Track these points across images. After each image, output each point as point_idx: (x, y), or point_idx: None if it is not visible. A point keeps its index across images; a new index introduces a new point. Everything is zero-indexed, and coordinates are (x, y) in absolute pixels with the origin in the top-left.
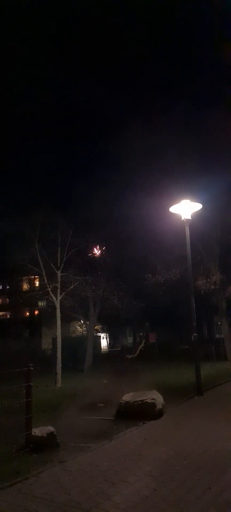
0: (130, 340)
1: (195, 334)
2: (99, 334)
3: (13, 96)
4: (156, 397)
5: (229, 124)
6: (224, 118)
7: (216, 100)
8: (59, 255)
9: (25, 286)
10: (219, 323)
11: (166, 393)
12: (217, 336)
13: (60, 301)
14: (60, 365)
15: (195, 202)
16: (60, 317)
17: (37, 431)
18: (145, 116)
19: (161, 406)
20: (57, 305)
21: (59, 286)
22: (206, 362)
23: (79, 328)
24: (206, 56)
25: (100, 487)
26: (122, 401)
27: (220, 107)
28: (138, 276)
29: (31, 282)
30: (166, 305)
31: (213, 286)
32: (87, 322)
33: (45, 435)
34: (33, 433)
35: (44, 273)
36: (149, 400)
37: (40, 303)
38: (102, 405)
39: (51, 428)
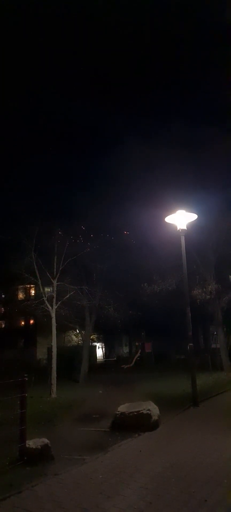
0: (126, 349)
1: (191, 344)
2: (95, 343)
3: (11, 106)
4: (152, 408)
5: (224, 138)
6: (219, 131)
7: (212, 115)
8: (55, 264)
9: (21, 295)
10: (215, 333)
11: (162, 404)
12: (213, 346)
13: (56, 310)
14: (55, 375)
15: (190, 212)
16: (56, 326)
17: (31, 443)
18: (141, 129)
19: (156, 417)
20: (53, 314)
21: (55, 295)
22: (202, 372)
23: (75, 337)
24: (201, 74)
25: (95, 500)
26: (117, 412)
27: (215, 121)
28: (133, 285)
29: (27, 291)
30: (162, 314)
31: (209, 296)
32: (83, 332)
33: (40, 447)
34: (27, 445)
35: (40, 282)
36: (144, 411)
37: (35, 312)
38: (97, 416)
39: (46, 440)
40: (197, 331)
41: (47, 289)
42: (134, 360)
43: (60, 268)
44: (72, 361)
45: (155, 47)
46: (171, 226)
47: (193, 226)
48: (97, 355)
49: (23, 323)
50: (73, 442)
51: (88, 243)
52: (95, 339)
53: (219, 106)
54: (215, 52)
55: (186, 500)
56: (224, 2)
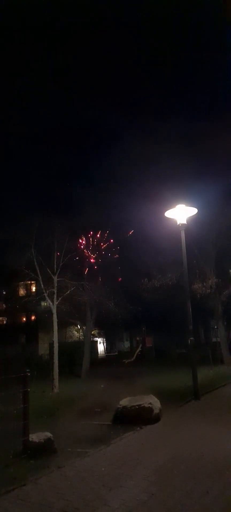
0: (127, 344)
1: (192, 338)
2: (96, 339)
3: (11, 105)
4: (153, 402)
5: (224, 132)
6: (219, 126)
7: (212, 109)
8: (55, 260)
9: (22, 292)
10: (216, 327)
11: (163, 397)
12: (214, 339)
13: (57, 306)
14: (57, 370)
15: (190, 206)
16: (57, 322)
17: (34, 437)
18: (141, 124)
19: (158, 411)
20: (54, 310)
21: (55, 291)
22: (203, 366)
23: (76, 333)
24: (202, 69)
25: (98, 492)
26: (119, 406)
27: (215, 115)
28: (134, 280)
29: (28, 287)
30: (163, 309)
31: (209, 290)
32: (84, 327)
33: (43, 440)
34: (30, 439)
35: (40, 279)
36: (146, 405)
37: (37, 308)
38: (99, 410)
39: (49, 434)
40: (197, 325)
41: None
42: (135, 355)
43: (61, 264)
44: (74, 356)
45: (152, 45)
46: (171, 221)
47: (193, 220)
48: (99, 350)
49: (24, 319)
50: (76, 436)
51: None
52: (96, 335)
53: (219, 100)
54: (212, 48)
55: (188, 491)
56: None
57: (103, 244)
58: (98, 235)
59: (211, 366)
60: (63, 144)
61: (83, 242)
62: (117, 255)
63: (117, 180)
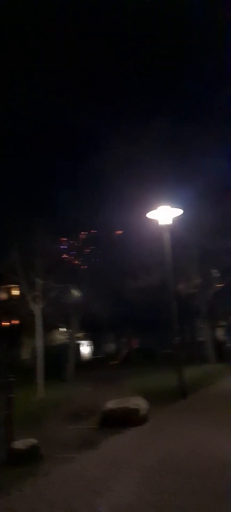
0: (113, 346)
1: (178, 338)
2: (81, 341)
3: None
4: (140, 403)
5: (206, 133)
6: (202, 127)
7: (195, 111)
8: (40, 263)
9: (4, 295)
10: (201, 326)
11: (150, 398)
12: (199, 339)
13: (41, 309)
14: (42, 374)
15: (174, 207)
16: (41, 325)
17: (19, 444)
18: (124, 126)
19: (145, 412)
20: (39, 313)
21: (39, 295)
22: (189, 365)
23: (61, 336)
24: (183, 71)
25: (85, 497)
26: (105, 409)
27: (198, 117)
28: (118, 282)
29: (11, 291)
30: (148, 310)
31: (194, 290)
32: (69, 330)
33: (28, 447)
34: (15, 446)
35: (24, 282)
36: (133, 406)
37: (20, 312)
38: (85, 413)
39: (34, 440)
40: (183, 325)
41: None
42: (121, 357)
43: (45, 267)
44: (59, 360)
45: (135, 46)
46: (156, 222)
47: (177, 221)
48: (84, 353)
49: (7, 323)
50: (62, 441)
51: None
52: (81, 337)
53: (202, 103)
54: (197, 51)
55: (176, 492)
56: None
57: (88, 246)
58: (82, 237)
59: (197, 365)
60: (46, 145)
61: (68, 244)
62: (102, 257)
63: (101, 182)
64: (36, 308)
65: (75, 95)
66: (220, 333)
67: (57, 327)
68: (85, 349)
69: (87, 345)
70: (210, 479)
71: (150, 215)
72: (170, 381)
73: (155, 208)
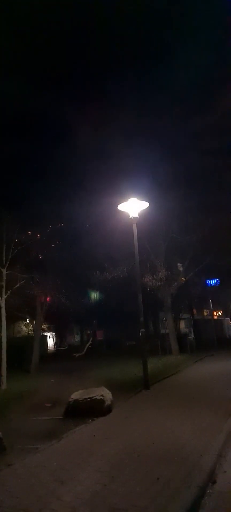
0: (77, 338)
1: (142, 330)
2: (45, 333)
3: None
4: (105, 394)
5: (175, 128)
6: (172, 122)
7: (166, 106)
8: (4, 253)
9: None
10: (164, 319)
11: (115, 389)
12: (162, 331)
13: (6, 300)
14: (5, 366)
15: (142, 200)
16: (6, 316)
17: None
18: (94, 118)
19: (109, 402)
20: (2, 304)
21: (4, 285)
22: (152, 356)
23: (25, 328)
24: (158, 64)
25: (49, 487)
26: (70, 400)
27: (167, 113)
28: (86, 273)
29: None
30: (114, 302)
31: (159, 283)
32: (34, 322)
33: None
34: None
35: None
36: (97, 397)
37: None
38: (50, 405)
39: None
40: (147, 317)
41: None
42: (86, 348)
43: (10, 257)
44: (23, 351)
45: (105, 34)
46: (123, 214)
47: (144, 214)
48: (49, 345)
49: None
50: (26, 432)
51: (39, 232)
52: (46, 329)
53: (172, 97)
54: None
55: (139, 479)
56: None
57: (54, 238)
58: (49, 228)
59: (160, 356)
60: (13, 134)
61: (34, 234)
62: (69, 249)
63: (69, 173)
64: (1, 299)
65: (42, 83)
66: (182, 326)
67: (22, 318)
68: (50, 340)
69: (52, 337)
70: (171, 466)
71: (121, 207)
72: (134, 372)
73: (126, 200)
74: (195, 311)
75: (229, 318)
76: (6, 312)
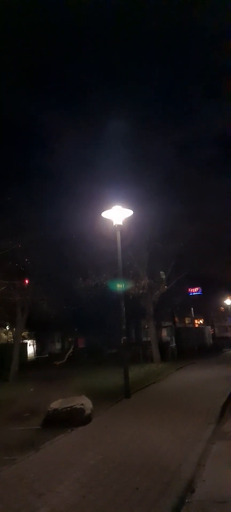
0: (58, 346)
1: (124, 337)
2: (26, 341)
3: None
4: (85, 403)
5: (162, 138)
6: (155, 132)
7: (149, 115)
8: None
9: None
10: (146, 327)
11: (95, 397)
12: (144, 339)
13: None
14: None
15: (126, 208)
16: None
17: None
18: (79, 125)
19: (89, 411)
20: None
21: None
22: (134, 364)
23: (4, 335)
24: (138, 74)
25: (26, 500)
26: (49, 409)
27: (152, 122)
28: (68, 280)
29: None
30: (96, 309)
31: (142, 290)
32: (14, 329)
33: None
34: None
35: None
36: (77, 406)
37: None
38: (28, 414)
39: None
40: (129, 325)
41: None
42: (67, 356)
43: None
44: (2, 359)
45: (93, 45)
46: (107, 222)
47: (128, 222)
48: (29, 353)
49: None
50: (3, 443)
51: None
52: (26, 336)
53: (157, 107)
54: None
55: (119, 489)
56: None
57: (37, 243)
58: (31, 233)
59: (142, 364)
60: None
61: (15, 241)
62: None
63: (53, 179)
64: None
65: (26, 88)
66: (164, 334)
67: (2, 326)
68: (30, 348)
69: (33, 344)
70: (151, 476)
71: (105, 214)
72: (115, 380)
73: (110, 208)
74: (176, 319)
75: (210, 327)
76: None
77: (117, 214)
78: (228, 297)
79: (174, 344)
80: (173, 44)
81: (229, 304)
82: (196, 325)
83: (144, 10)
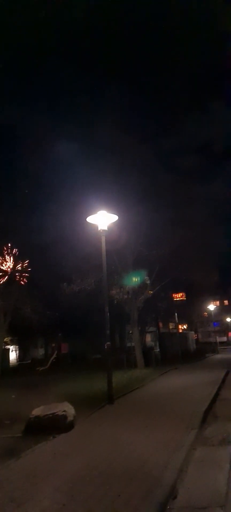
0: (42, 352)
1: (108, 343)
2: (8, 346)
3: None
4: (68, 409)
5: (144, 145)
6: (141, 140)
7: (134, 124)
8: None
9: None
10: (130, 332)
11: (78, 404)
12: (129, 344)
13: None
14: None
15: (111, 213)
16: None
17: None
18: (64, 130)
19: (72, 418)
20: None
21: None
22: (118, 370)
23: None
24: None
25: (5, 509)
26: (31, 416)
27: (138, 130)
28: (52, 285)
29: None
30: (80, 314)
31: (126, 296)
32: None
33: None
34: None
35: None
36: (60, 413)
37: None
38: (9, 422)
39: None
40: (113, 330)
41: None
42: (50, 362)
43: None
44: None
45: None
46: (91, 227)
47: (113, 227)
48: (11, 359)
49: None
50: None
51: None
52: (8, 342)
53: (143, 116)
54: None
55: (100, 497)
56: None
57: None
58: (14, 238)
59: (126, 370)
60: None
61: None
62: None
63: (38, 184)
64: None
65: (10, 91)
66: (148, 339)
67: None
68: (12, 354)
69: (15, 350)
70: (133, 482)
71: (90, 219)
72: (98, 386)
73: (95, 213)
74: (161, 324)
75: (193, 332)
76: None
77: (102, 219)
78: (212, 302)
79: (158, 349)
80: (159, 55)
81: (213, 309)
82: (180, 331)
83: (132, 19)
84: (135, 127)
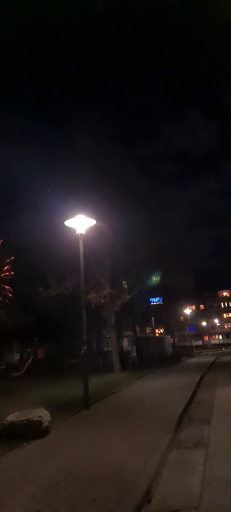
0: (17, 356)
1: (85, 347)
2: None
3: None
4: (43, 415)
5: (122, 151)
6: (119, 146)
7: (113, 130)
8: None
9: None
10: (108, 336)
11: (54, 409)
12: (105, 349)
13: None
14: None
15: (89, 217)
16: None
17: None
18: (42, 133)
19: (47, 424)
20: None
21: None
22: (94, 374)
23: None
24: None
25: None
26: (5, 422)
27: (116, 136)
28: (29, 289)
29: None
30: (56, 319)
31: (103, 300)
32: None
33: None
34: None
35: None
36: (35, 418)
37: None
38: None
39: None
40: (90, 334)
41: None
42: (25, 367)
43: None
44: None
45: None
46: (69, 231)
47: (91, 231)
48: None
49: None
50: None
51: None
52: None
53: (122, 122)
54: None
55: (75, 502)
56: None
57: None
58: None
59: (102, 374)
60: None
61: None
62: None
63: (14, 187)
64: None
65: None
66: (125, 343)
67: None
68: None
69: None
70: (108, 487)
71: (68, 223)
72: (75, 391)
73: (73, 217)
74: (138, 328)
75: (170, 336)
76: None
77: (80, 223)
78: (188, 306)
79: (135, 354)
80: (138, 64)
81: (189, 313)
82: (157, 335)
83: (116, 30)
84: (113, 132)
